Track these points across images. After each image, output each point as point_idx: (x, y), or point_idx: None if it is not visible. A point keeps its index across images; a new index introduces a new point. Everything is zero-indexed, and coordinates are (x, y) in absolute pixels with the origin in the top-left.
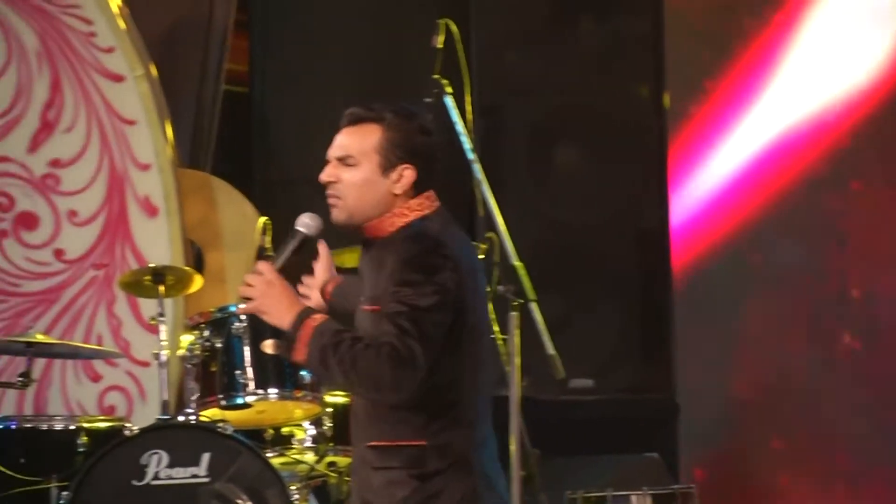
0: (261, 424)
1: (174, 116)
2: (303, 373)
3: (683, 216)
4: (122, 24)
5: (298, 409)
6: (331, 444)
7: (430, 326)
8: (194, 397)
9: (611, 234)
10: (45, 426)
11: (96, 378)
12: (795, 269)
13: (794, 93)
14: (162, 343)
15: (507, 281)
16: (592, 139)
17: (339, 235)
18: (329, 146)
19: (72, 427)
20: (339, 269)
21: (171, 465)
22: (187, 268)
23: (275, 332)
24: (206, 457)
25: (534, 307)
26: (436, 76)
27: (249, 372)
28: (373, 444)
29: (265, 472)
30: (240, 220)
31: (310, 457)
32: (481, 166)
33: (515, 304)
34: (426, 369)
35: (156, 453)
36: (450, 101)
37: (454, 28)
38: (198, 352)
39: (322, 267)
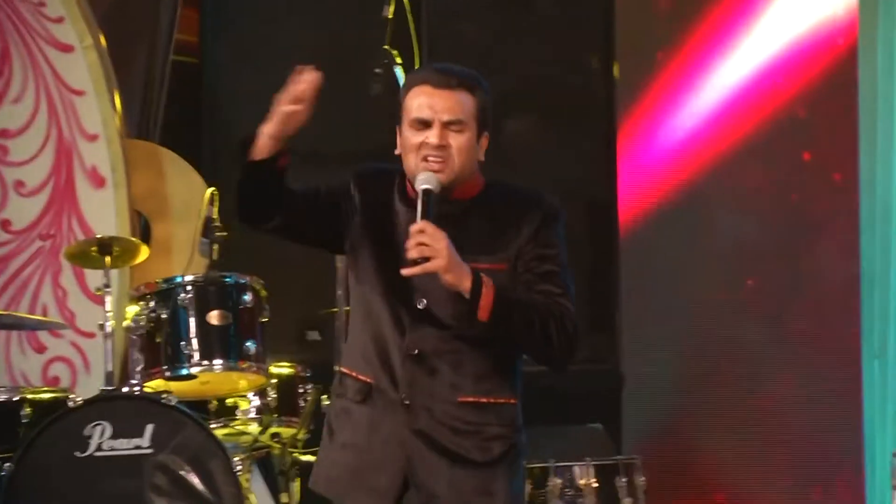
0: (205, 395)
1: (123, 87)
2: (248, 344)
3: (632, 186)
4: None
5: (243, 380)
6: (275, 415)
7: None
8: (139, 368)
9: (559, 203)
10: None
11: (41, 349)
12: (745, 241)
13: (747, 64)
14: (107, 314)
15: None
16: (543, 109)
17: None
18: None
19: (15, 398)
20: None
21: (114, 437)
22: (134, 239)
23: (220, 303)
24: (149, 428)
25: None
26: (386, 47)
27: (194, 343)
28: (469, 399)
29: (209, 443)
30: (187, 190)
31: (254, 428)
32: None
33: None
34: None
35: (99, 424)
36: (400, 72)
37: None
38: (143, 323)
39: None
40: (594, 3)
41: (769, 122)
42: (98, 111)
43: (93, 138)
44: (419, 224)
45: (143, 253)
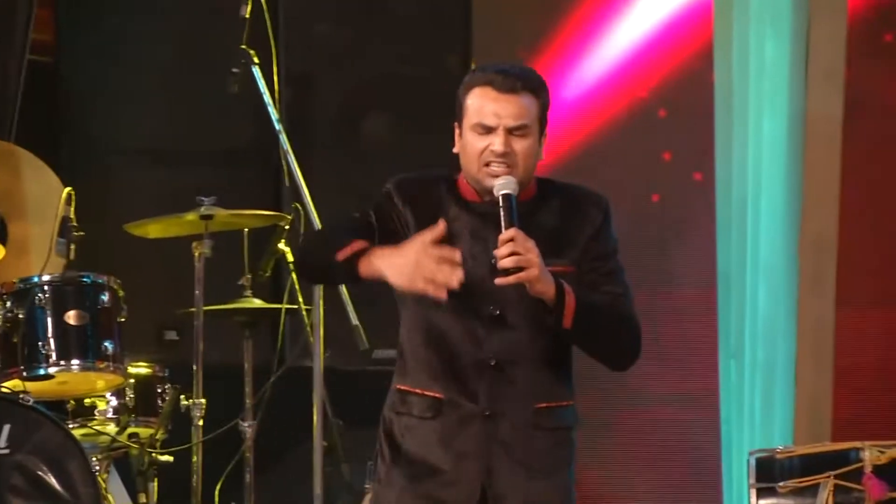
0: (63, 395)
1: None
2: (106, 344)
3: None
4: None
5: (101, 381)
6: (132, 416)
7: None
8: None
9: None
10: None
11: None
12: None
13: (606, 63)
14: None
15: None
16: (402, 109)
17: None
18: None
19: None
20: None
21: None
22: None
23: (78, 303)
24: (6, 428)
25: None
26: (243, 46)
27: (52, 343)
28: (544, 405)
29: (67, 443)
30: (44, 190)
31: (111, 428)
32: (289, 137)
33: None
34: None
35: None
36: (257, 72)
37: None
38: (0, 323)
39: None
40: (453, 2)
41: (629, 122)
42: None
43: None
44: (509, 232)
45: (0, 253)
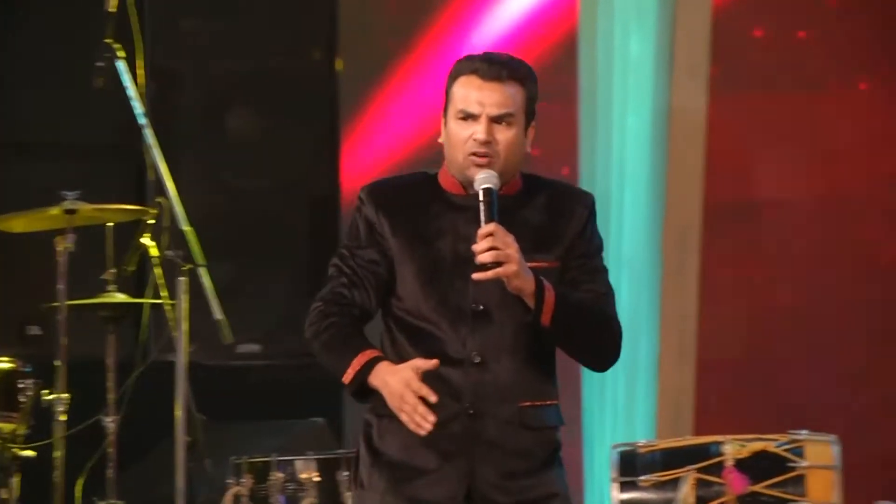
0: None
1: None
2: None
3: (355, 181)
4: None
5: None
6: None
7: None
8: None
9: (283, 199)
10: None
11: None
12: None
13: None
14: None
15: (176, 245)
16: (267, 104)
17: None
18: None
19: None
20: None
21: None
22: None
23: None
24: None
25: (202, 272)
26: (108, 40)
27: None
28: (529, 403)
29: None
30: None
31: None
32: (154, 131)
33: (184, 268)
34: None
35: None
36: (122, 66)
37: None
38: None
39: None
40: None
41: None
42: None
43: None
44: (488, 227)
45: None
